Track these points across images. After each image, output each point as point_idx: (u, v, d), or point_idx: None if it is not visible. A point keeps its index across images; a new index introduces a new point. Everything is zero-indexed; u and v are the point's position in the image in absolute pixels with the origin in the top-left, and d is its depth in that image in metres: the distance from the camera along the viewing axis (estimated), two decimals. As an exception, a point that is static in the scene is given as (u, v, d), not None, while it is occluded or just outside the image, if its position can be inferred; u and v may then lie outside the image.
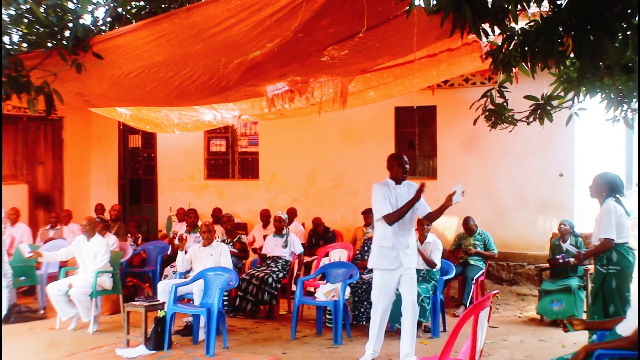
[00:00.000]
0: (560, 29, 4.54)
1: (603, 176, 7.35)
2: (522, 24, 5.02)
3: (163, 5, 6.92)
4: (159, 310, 8.59)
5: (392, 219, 7.50)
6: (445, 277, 9.44)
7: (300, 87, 8.54)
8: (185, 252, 9.55)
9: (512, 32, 4.97)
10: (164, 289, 9.14)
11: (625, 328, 5.18)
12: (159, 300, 8.85)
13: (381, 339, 7.72)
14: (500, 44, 5.38)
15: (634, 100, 5.83)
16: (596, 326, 5.97)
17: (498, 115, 6.37)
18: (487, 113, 6.42)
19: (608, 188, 7.24)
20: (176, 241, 11.20)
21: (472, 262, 10.73)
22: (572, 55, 4.69)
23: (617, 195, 7.24)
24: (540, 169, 11.96)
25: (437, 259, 9.21)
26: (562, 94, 6.11)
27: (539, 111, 6.24)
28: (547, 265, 10.23)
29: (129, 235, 12.62)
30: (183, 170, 15.47)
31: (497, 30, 4.81)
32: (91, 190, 16.25)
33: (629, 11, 4.33)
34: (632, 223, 9.62)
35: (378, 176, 12.65)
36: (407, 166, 7.72)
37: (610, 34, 4.26)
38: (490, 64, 5.60)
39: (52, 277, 11.06)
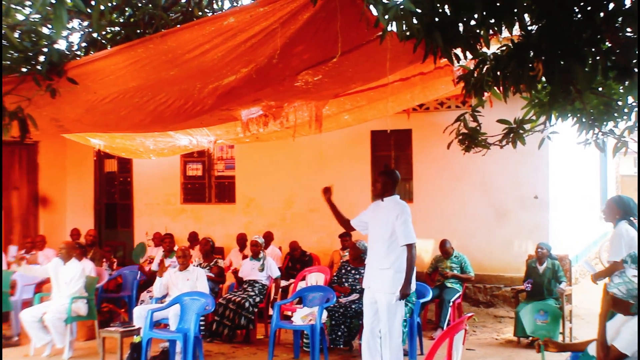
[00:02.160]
0: (531, 53, 4.61)
1: (617, 199, 7.36)
2: (493, 48, 5.08)
3: (138, 31, 6.96)
4: (134, 336, 8.53)
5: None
6: (422, 300, 9.44)
7: (275, 111, 8.57)
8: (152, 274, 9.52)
9: (484, 56, 5.03)
10: (140, 314, 9.07)
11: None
12: (135, 326, 8.79)
13: None
14: (472, 68, 5.45)
15: (605, 123, 5.91)
16: (569, 348, 6.02)
17: (471, 139, 6.42)
18: (460, 137, 6.47)
19: (621, 211, 7.23)
20: (154, 267, 11.15)
21: (449, 284, 10.74)
22: (543, 79, 4.75)
23: (631, 218, 7.23)
24: (515, 192, 12.05)
25: None
26: (534, 117, 6.18)
27: (511, 134, 6.30)
28: (523, 287, 10.28)
29: (104, 260, 12.54)
30: (159, 195, 15.42)
31: (469, 55, 4.86)
32: (67, 215, 16.14)
33: (598, 36, 4.41)
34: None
35: (354, 199, 12.77)
36: (374, 183, 7.68)
37: (580, 59, 4.33)
38: (462, 88, 5.66)
39: (27, 303, 10.94)
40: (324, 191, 7.78)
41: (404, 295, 7.24)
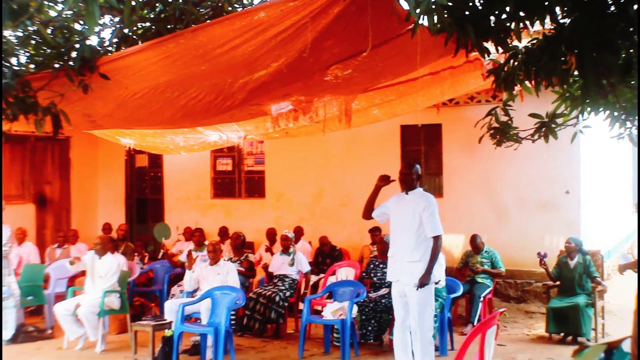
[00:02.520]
0: (564, 47, 4.56)
1: None
2: (524, 42, 5.03)
3: (169, 26, 6.99)
4: (166, 330, 8.58)
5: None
6: (452, 295, 9.40)
7: (304, 106, 8.58)
8: (184, 265, 9.57)
9: (515, 50, 4.99)
10: (172, 308, 9.13)
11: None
12: (166, 320, 8.85)
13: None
14: (502, 62, 5.40)
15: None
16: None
17: (503, 133, 6.37)
18: (492, 131, 6.42)
19: None
20: (182, 257, 11.18)
21: (479, 280, 10.70)
22: (575, 73, 4.70)
23: None
24: (547, 187, 11.95)
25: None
26: (566, 111, 6.11)
27: (543, 129, 6.23)
28: (554, 282, 10.22)
29: (136, 254, 12.64)
30: (190, 190, 15.50)
31: (499, 49, 4.82)
32: (98, 210, 16.29)
33: (631, 29, 4.35)
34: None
35: (383, 194, 12.70)
36: (404, 176, 7.55)
37: (613, 51, 4.28)
38: (492, 82, 5.62)
39: (60, 297, 11.08)
40: (382, 178, 7.65)
41: (422, 284, 7.20)
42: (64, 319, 9.52)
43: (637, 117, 5.70)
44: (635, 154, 17.19)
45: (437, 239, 7.34)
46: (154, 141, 12.34)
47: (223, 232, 13.52)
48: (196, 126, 9.82)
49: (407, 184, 7.55)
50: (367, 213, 7.86)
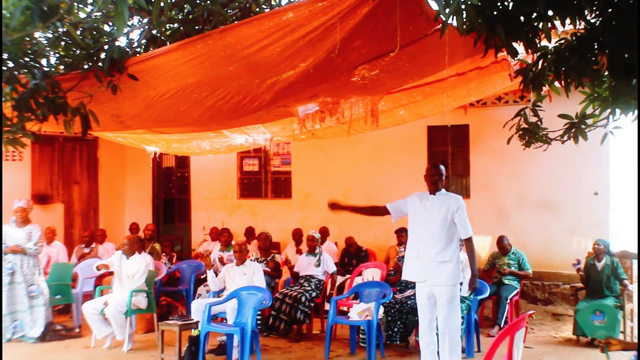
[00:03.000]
0: (595, 46, 4.52)
1: None
2: (552, 42, 4.99)
3: (197, 27, 7.01)
4: (192, 330, 8.62)
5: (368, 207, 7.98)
6: (479, 297, 9.36)
7: (331, 107, 8.56)
8: (216, 273, 9.62)
9: (545, 50, 4.95)
10: (198, 308, 9.17)
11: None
12: (193, 319, 8.88)
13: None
14: (529, 62, 5.36)
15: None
16: (633, 347, 5.89)
17: (532, 134, 6.33)
18: (520, 132, 6.38)
19: None
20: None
21: (506, 281, 10.64)
22: (606, 73, 4.65)
23: None
24: (575, 188, 11.87)
25: None
26: (596, 112, 6.05)
27: (573, 130, 6.18)
28: (582, 284, 10.14)
29: (163, 254, 12.71)
30: (216, 190, 15.56)
31: (527, 49, 4.78)
32: (125, 210, 16.41)
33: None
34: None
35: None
36: (435, 175, 7.48)
37: (644, 51, 4.23)
38: (520, 83, 5.58)
39: (87, 296, 11.17)
40: (332, 207, 7.71)
41: (474, 288, 7.33)
42: (91, 318, 9.59)
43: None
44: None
45: (470, 240, 7.39)
46: (180, 147, 12.43)
47: (249, 233, 13.56)
48: (223, 127, 9.82)
49: (437, 185, 7.50)
50: (376, 212, 8.02)
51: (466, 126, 12.73)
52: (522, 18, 4.42)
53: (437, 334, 7.44)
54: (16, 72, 5.66)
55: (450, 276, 7.24)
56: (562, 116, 6.10)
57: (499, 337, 5.04)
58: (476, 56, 7.15)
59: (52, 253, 12.28)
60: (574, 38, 4.73)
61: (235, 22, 6.68)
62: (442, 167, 7.59)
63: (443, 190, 7.55)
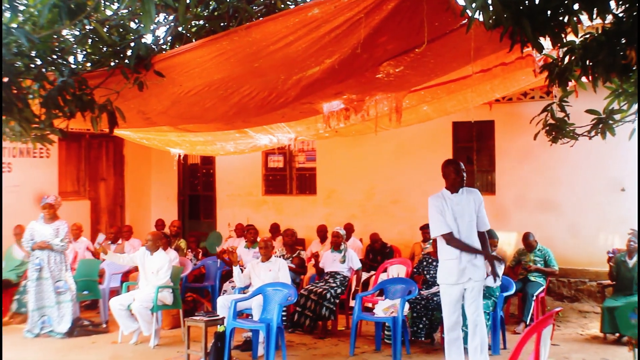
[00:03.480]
0: (623, 41, 4.48)
1: None
2: (572, 37, 4.95)
3: (222, 24, 7.03)
4: (218, 325, 8.65)
5: (452, 243, 7.30)
6: (505, 294, 9.30)
7: (356, 105, 8.55)
8: (242, 269, 9.66)
9: (572, 45, 4.91)
10: (224, 304, 9.20)
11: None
12: (218, 315, 8.91)
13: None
14: (555, 57, 5.32)
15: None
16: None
17: (559, 129, 6.28)
18: (547, 128, 6.34)
19: None
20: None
21: (532, 278, 10.58)
22: (634, 68, 4.61)
23: None
24: (602, 184, 11.77)
25: None
26: (624, 107, 6.00)
27: (600, 125, 6.13)
28: (609, 282, 10.06)
29: (189, 250, 12.77)
30: (241, 186, 15.61)
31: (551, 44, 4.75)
32: (151, 206, 16.51)
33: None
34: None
35: (435, 191, 12.63)
36: (462, 173, 7.38)
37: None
38: (545, 78, 5.54)
39: (114, 292, 11.26)
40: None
41: (496, 274, 7.42)
42: (118, 314, 9.66)
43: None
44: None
45: (486, 232, 7.44)
46: (205, 149, 12.53)
47: (274, 229, 13.59)
48: (248, 124, 9.82)
49: (464, 181, 7.46)
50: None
51: (491, 122, 12.66)
52: (548, 12, 4.39)
53: (463, 330, 7.43)
54: (44, 70, 5.71)
55: (483, 271, 7.29)
56: (589, 111, 6.05)
57: (526, 334, 5.01)
58: (501, 52, 7.12)
59: (78, 249, 12.38)
60: (601, 32, 4.69)
61: (261, 18, 6.70)
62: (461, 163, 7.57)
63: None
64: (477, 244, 7.31)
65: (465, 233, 7.31)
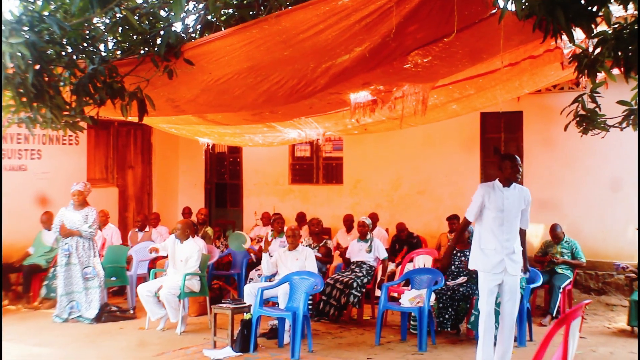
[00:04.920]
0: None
1: None
2: (601, 28, 4.89)
3: (252, 12, 7.04)
4: (245, 313, 8.69)
5: (460, 227, 7.83)
6: (532, 285, 9.26)
7: (384, 96, 8.52)
8: (270, 255, 9.70)
9: (604, 35, 4.86)
10: (250, 292, 9.25)
11: None
12: (245, 303, 8.96)
13: (489, 352, 7.34)
14: (584, 48, 5.27)
15: None
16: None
17: (590, 120, 6.23)
18: (578, 119, 6.28)
19: None
20: (261, 244, 11.30)
21: (559, 270, 10.52)
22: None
23: None
24: (632, 176, 11.63)
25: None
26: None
27: (632, 117, 6.06)
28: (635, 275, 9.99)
29: (215, 239, 12.83)
30: (268, 175, 15.65)
31: (580, 35, 4.71)
32: (178, 194, 16.59)
33: None
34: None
35: (463, 182, 12.68)
36: (519, 169, 7.33)
37: None
38: (574, 70, 5.49)
39: (142, 279, 11.37)
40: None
41: (528, 270, 7.79)
42: (146, 300, 9.73)
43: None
44: None
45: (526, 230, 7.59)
46: (233, 140, 12.59)
47: (301, 218, 13.61)
48: (276, 114, 9.76)
49: (517, 178, 7.45)
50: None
51: (520, 113, 12.59)
52: (582, 1, 4.34)
53: (496, 320, 7.53)
54: (75, 57, 5.75)
55: (520, 266, 7.37)
56: (621, 102, 5.98)
57: (554, 325, 4.97)
58: (530, 44, 7.08)
59: (106, 236, 12.50)
60: (634, 21, 4.64)
61: (290, 7, 6.69)
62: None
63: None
64: (509, 240, 7.29)
65: (508, 227, 7.31)
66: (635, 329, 9.51)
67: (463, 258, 9.52)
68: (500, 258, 7.24)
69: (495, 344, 7.40)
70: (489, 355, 7.32)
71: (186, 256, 9.94)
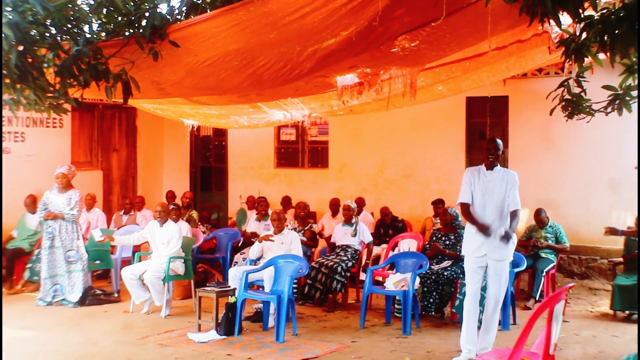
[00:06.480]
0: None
1: None
2: (588, 12, 4.89)
3: (238, -6, 6.99)
4: (229, 297, 8.70)
5: (463, 212, 7.50)
6: (516, 270, 9.30)
7: (370, 79, 8.50)
8: (259, 242, 9.70)
9: (591, 19, 4.86)
10: (235, 276, 9.25)
11: None
12: (230, 287, 8.96)
13: (472, 333, 7.40)
14: (571, 32, 5.26)
15: None
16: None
17: (575, 105, 6.24)
18: (563, 103, 6.29)
19: None
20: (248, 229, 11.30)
21: (543, 254, 10.57)
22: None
23: None
24: (615, 161, 11.72)
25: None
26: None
27: (617, 102, 6.08)
28: (621, 259, 10.05)
29: (199, 222, 12.80)
30: (253, 159, 15.62)
31: (567, 20, 4.70)
32: (163, 177, 16.52)
33: None
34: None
35: (448, 166, 12.70)
36: (493, 152, 7.32)
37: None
38: (561, 54, 5.49)
39: (126, 262, 11.34)
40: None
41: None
42: (130, 283, 9.72)
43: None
44: None
45: (518, 212, 7.40)
46: (218, 122, 12.53)
47: (286, 202, 13.59)
48: (262, 97, 9.73)
49: (496, 160, 7.44)
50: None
51: (506, 97, 12.62)
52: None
53: (481, 304, 7.59)
54: (59, 38, 5.70)
55: (507, 251, 7.35)
56: (606, 87, 5.99)
57: (538, 308, 5.00)
58: (517, 28, 7.07)
59: (91, 219, 12.46)
60: (621, 6, 4.64)
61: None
62: (499, 142, 7.50)
63: (498, 165, 7.47)
64: (494, 223, 7.25)
65: (492, 210, 7.32)
66: (618, 312, 9.57)
67: (448, 242, 9.57)
68: (482, 241, 7.27)
69: (479, 327, 7.45)
70: (473, 338, 7.38)
71: (167, 238, 9.93)
